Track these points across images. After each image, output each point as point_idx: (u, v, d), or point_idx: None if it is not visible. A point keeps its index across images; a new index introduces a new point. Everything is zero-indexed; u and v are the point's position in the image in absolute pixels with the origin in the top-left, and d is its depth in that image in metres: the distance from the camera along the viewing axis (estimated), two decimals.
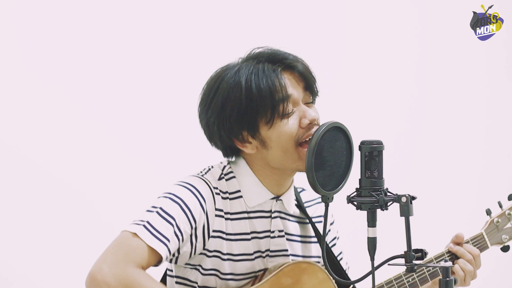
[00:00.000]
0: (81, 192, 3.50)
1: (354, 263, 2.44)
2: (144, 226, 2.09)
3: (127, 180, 3.55)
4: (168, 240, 2.09)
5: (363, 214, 2.00)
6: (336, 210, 2.41)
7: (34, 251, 3.44)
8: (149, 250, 2.07)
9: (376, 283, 2.21)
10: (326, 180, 2.08)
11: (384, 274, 2.34)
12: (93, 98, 3.54)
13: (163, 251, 2.08)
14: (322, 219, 2.36)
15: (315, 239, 2.35)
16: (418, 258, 2.00)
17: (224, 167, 2.26)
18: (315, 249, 2.36)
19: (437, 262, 2.38)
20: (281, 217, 2.28)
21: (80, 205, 3.50)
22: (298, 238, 2.33)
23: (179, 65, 3.65)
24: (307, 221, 2.34)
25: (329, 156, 2.08)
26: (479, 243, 2.43)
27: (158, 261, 2.11)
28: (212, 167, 2.26)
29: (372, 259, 1.99)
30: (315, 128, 2.16)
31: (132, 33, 3.60)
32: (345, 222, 2.79)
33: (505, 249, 2.48)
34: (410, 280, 2.36)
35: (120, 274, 2.01)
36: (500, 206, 2.48)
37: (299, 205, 2.34)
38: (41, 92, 3.47)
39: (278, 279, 2.20)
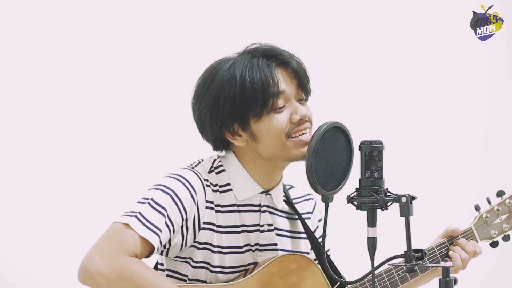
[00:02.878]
0: (81, 190, 3.51)
1: (354, 263, 2.44)
2: (136, 217, 2.10)
3: (127, 178, 3.55)
4: (160, 231, 2.10)
5: (363, 214, 2.00)
6: (336, 210, 2.41)
7: (34, 249, 3.44)
8: (141, 241, 2.08)
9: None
10: (326, 180, 2.07)
11: None
12: (93, 97, 3.54)
13: (155, 241, 2.09)
14: (310, 215, 2.40)
15: (304, 235, 2.36)
16: (418, 258, 2.01)
17: (214, 160, 2.27)
18: (304, 245, 2.37)
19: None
20: (270, 212, 2.29)
21: (80, 203, 3.50)
22: (288, 233, 2.34)
23: (176, 64, 3.65)
24: (296, 217, 2.35)
25: (329, 156, 2.08)
26: (469, 237, 2.43)
27: (150, 252, 2.11)
28: (202, 160, 2.28)
29: (372, 259, 2.00)
30: (306, 124, 2.19)
31: (130, 33, 3.60)
32: (345, 222, 2.79)
33: (494, 244, 2.46)
34: (400, 273, 2.35)
35: (113, 263, 2.01)
36: (489, 202, 2.48)
37: (288, 201, 2.35)
38: (41, 91, 3.47)
39: (267, 271, 2.20)
